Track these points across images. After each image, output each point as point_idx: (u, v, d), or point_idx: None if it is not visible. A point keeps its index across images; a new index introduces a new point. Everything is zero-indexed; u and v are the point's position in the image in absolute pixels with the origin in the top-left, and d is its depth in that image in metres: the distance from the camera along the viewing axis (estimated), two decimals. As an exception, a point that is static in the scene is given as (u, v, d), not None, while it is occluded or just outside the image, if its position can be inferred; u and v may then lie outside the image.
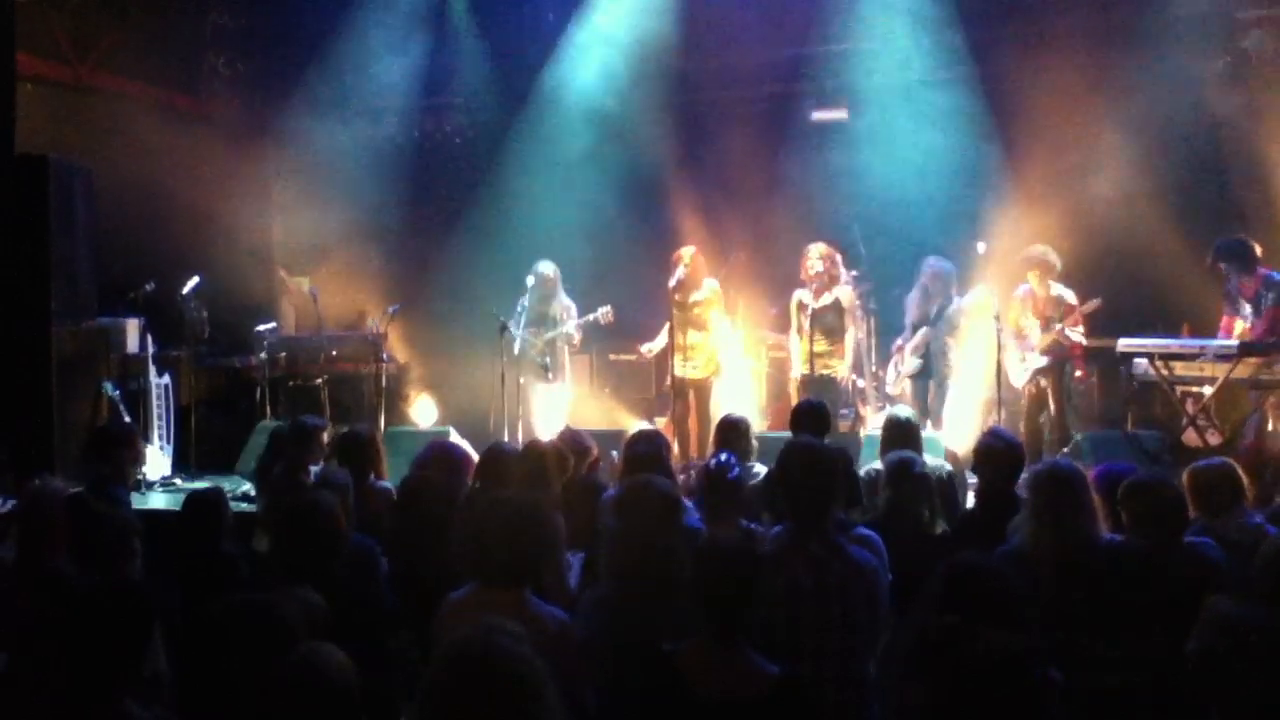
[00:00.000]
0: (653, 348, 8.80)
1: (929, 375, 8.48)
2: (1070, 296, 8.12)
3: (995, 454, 4.80)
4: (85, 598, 2.82)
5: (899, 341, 8.65)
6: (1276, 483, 5.10)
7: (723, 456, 4.48)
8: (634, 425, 8.77)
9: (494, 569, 3.41)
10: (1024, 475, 4.65)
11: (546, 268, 8.88)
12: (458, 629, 2.56)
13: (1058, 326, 8.02)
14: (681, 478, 6.03)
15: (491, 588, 3.39)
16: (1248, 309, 7.51)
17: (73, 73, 9.67)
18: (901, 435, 5.46)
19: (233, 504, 5.29)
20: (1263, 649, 2.61)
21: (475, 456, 5.44)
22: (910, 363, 8.52)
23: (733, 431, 5.57)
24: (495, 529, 3.46)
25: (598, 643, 3.41)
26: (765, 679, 2.98)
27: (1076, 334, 8.04)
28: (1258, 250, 7.52)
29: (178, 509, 6.85)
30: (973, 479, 5.62)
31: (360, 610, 3.66)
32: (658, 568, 3.47)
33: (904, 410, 5.96)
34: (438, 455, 5.32)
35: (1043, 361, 8.18)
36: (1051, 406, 8.28)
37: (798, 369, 8.38)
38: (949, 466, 5.61)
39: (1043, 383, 8.28)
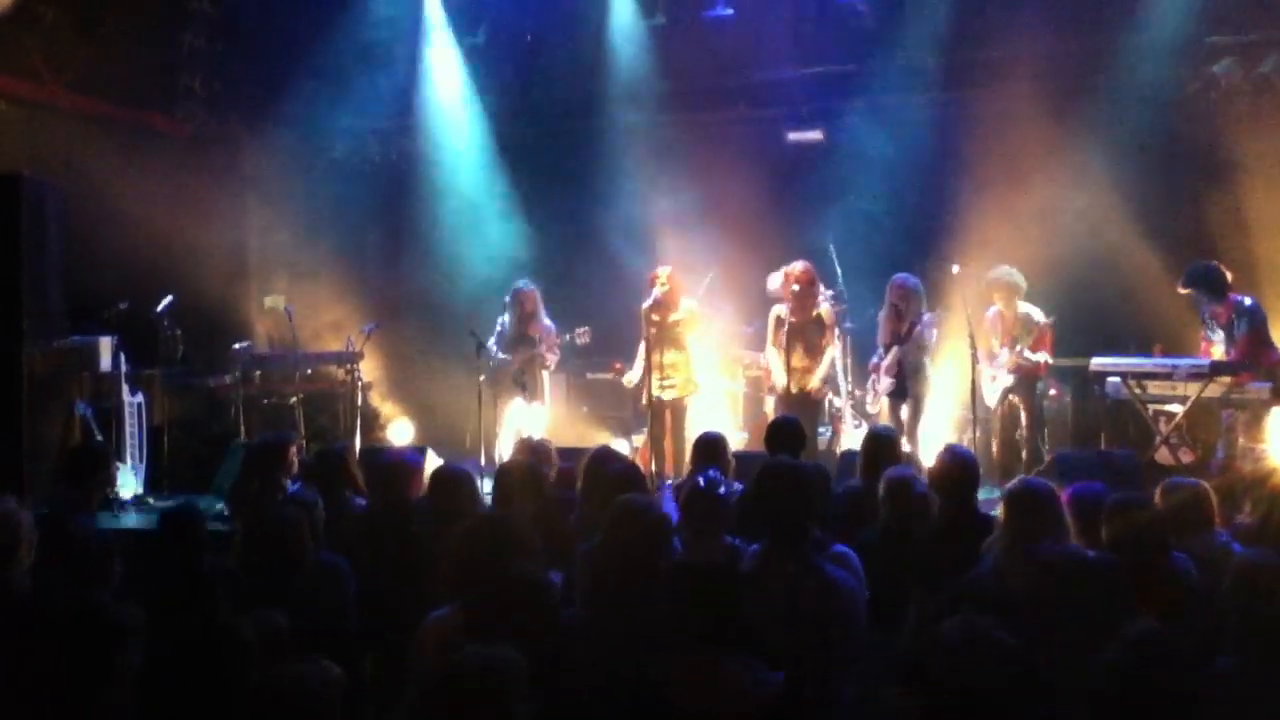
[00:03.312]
0: (632, 378, 8.75)
1: (904, 394, 8.51)
2: (1038, 315, 8.22)
3: (950, 471, 4.82)
4: (48, 618, 2.79)
5: (874, 361, 8.69)
6: (1244, 502, 5.14)
7: (710, 474, 4.49)
8: (611, 443, 8.76)
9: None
10: (997, 494, 4.67)
11: (526, 287, 8.88)
12: (444, 650, 2.58)
13: (1018, 349, 8.14)
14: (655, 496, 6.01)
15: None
16: (1220, 334, 7.57)
17: (46, 92, 9.63)
18: (882, 451, 5.46)
19: (207, 523, 5.22)
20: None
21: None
22: (884, 382, 8.55)
23: (710, 449, 5.56)
24: (477, 550, 3.45)
25: (582, 662, 3.40)
26: (753, 697, 2.98)
27: (1037, 356, 8.14)
28: (1228, 275, 7.58)
29: (150, 528, 6.81)
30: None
31: (326, 628, 3.63)
32: (647, 588, 3.47)
33: (884, 425, 5.96)
34: (398, 471, 5.27)
35: (1010, 380, 8.31)
36: (1024, 424, 8.38)
37: (780, 379, 8.33)
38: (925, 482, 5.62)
39: (1014, 401, 8.39)
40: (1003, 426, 8.50)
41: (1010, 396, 8.40)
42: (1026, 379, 8.34)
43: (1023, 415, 8.39)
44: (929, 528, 4.61)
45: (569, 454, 6.21)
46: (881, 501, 4.74)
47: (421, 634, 3.43)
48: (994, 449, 8.51)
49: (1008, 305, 8.29)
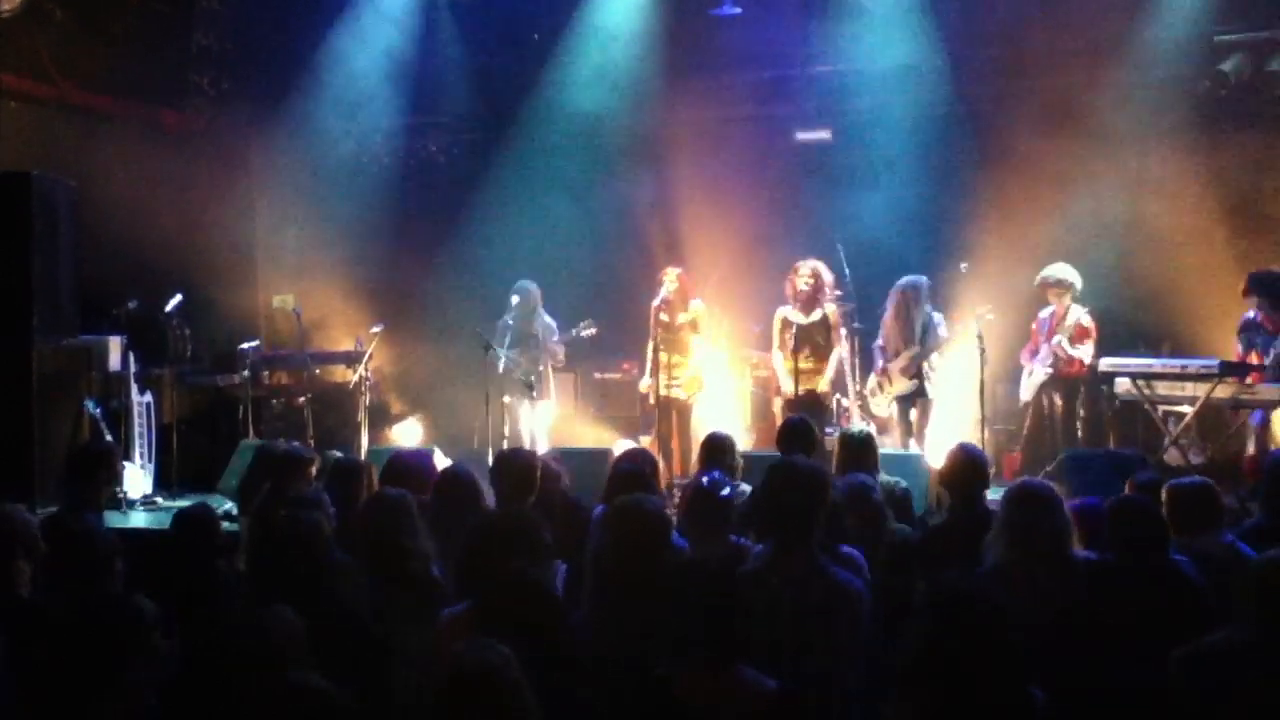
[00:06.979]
0: (647, 381, 8.72)
1: (915, 395, 8.49)
2: (1085, 319, 8.19)
3: (960, 468, 4.81)
4: (57, 616, 2.80)
5: (880, 363, 8.65)
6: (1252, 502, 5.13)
7: (715, 474, 4.48)
8: (619, 443, 8.76)
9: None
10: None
11: (529, 286, 8.91)
12: (454, 648, 2.60)
13: (1055, 340, 8.07)
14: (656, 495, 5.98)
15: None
16: (1260, 342, 7.49)
17: (56, 91, 9.64)
18: (859, 453, 5.42)
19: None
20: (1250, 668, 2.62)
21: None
22: (900, 384, 8.50)
23: (717, 450, 5.55)
24: (484, 546, 3.46)
25: (587, 659, 3.40)
26: (760, 697, 2.97)
27: (1075, 350, 8.05)
28: None
29: (159, 528, 6.82)
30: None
31: (343, 631, 3.63)
32: (647, 586, 3.47)
33: (857, 426, 5.91)
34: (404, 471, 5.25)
35: (1044, 376, 8.22)
36: (1059, 425, 8.29)
37: (786, 384, 8.34)
38: (904, 482, 5.59)
39: (1054, 399, 8.29)
40: (1033, 423, 8.43)
41: (1047, 393, 8.30)
42: (1064, 377, 8.24)
43: (1059, 415, 8.28)
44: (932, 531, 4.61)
45: (579, 455, 6.19)
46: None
47: (437, 631, 3.45)
48: (1022, 445, 8.44)
49: (1060, 303, 8.23)
